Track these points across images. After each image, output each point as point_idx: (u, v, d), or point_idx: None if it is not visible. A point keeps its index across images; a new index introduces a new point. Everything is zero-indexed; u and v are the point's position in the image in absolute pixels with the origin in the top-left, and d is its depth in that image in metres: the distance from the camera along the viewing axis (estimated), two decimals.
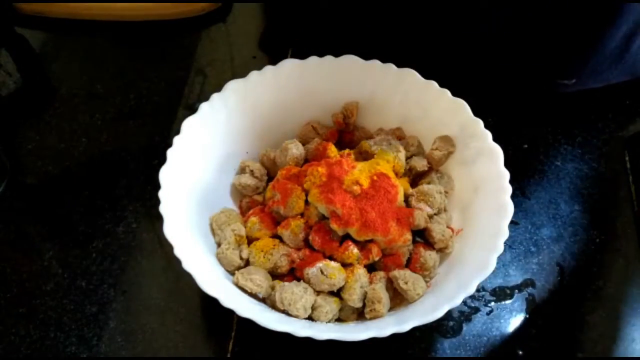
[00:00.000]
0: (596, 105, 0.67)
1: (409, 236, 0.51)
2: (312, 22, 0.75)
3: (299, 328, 0.44)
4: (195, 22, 0.74)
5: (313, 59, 0.57)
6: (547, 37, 0.60)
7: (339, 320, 0.50)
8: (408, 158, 0.56)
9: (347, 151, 0.55)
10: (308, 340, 0.43)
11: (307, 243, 0.51)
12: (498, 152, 0.52)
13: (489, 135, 0.53)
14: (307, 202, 0.51)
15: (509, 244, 0.56)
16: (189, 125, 0.53)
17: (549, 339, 0.53)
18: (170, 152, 0.51)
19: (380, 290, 0.49)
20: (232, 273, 0.50)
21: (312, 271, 0.49)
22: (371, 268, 0.51)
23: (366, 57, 0.57)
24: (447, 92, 0.55)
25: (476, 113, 0.54)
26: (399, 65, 0.57)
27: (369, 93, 0.58)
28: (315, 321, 0.48)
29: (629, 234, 0.58)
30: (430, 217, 0.53)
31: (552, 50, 0.61)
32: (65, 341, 0.52)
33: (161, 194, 0.48)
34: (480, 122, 0.53)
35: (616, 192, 0.61)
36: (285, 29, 0.75)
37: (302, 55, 0.57)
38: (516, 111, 0.66)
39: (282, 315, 0.47)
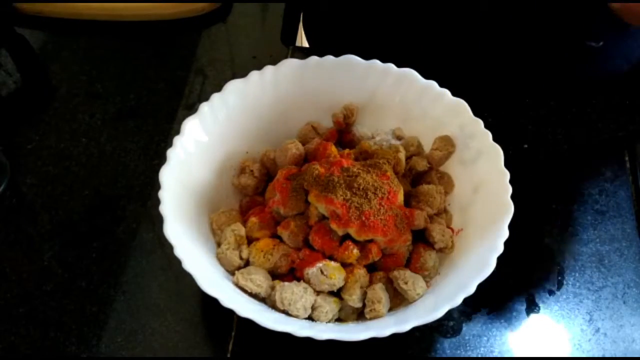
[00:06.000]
0: (596, 105, 0.67)
1: (409, 236, 0.51)
2: (314, 22, 0.76)
3: (299, 328, 0.44)
4: (195, 22, 0.74)
5: (313, 59, 0.57)
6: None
7: (339, 320, 0.50)
8: (408, 158, 0.56)
9: (347, 151, 0.55)
10: (308, 340, 0.43)
11: (307, 243, 0.51)
12: (498, 152, 0.52)
13: (489, 135, 0.53)
14: (307, 202, 0.51)
15: (509, 244, 0.56)
16: (189, 125, 0.53)
17: (549, 339, 0.53)
18: (170, 152, 0.51)
19: (380, 290, 0.49)
20: (232, 273, 0.50)
21: (312, 271, 0.49)
22: (371, 268, 0.51)
23: (366, 57, 0.57)
24: (447, 92, 0.55)
25: (476, 113, 0.54)
26: (399, 65, 0.57)
27: (369, 93, 0.58)
28: (315, 321, 0.48)
29: (629, 234, 0.58)
30: (430, 217, 0.53)
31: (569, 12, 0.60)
32: (65, 341, 0.52)
33: (161, 194, 0.48)
34: (480, 122, 0.53)
35: (616, 192, 0.61)
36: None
37: (303, 55, 0.57)
38: (516, 111, 0.66)
39: (282, 315, 0.47)
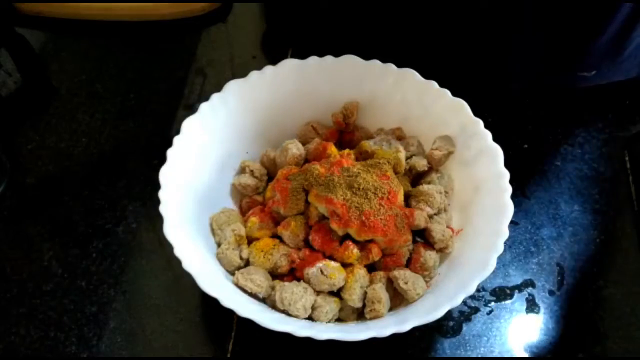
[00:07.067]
0: (596, 105, 0.67)
1: (409, 236, 0.51)
2: (312, 22, 0.75)
3: (299, 328, 0.44)
4: (195, 22, 0.74)
5: (313, 59, 0.57)
6: (552, 29, 0.60)
7: (339, 320, 0.50)
8: (408, 158, 0.56)
9: (347, 151, 0.55)
10: (308, 340, 0.43)
11: (307, 243, 0.51)
12: (498, 152, 0.52)
13: (489, 135, 0.53)
14: (307, 202, 0.51)
15: (509, 244, 0.56)
16: (189, 125, 0.53)
17: (549, 339, 0.53)
18: (170, 152, 0.51)
19: (380, 290, 0.49)
20: (232, 273, 0.50)
21: (312, 271, 0.49)
22: (371, 268, 0.51)
23: (366, 57, 0.57)
24: (447, 92, 0.55)
25: (476, 113, 0.54)
26: (399, 65, 0.57)
27: (369, 93, 0.58)
28: (315, 321, 0.48)
29: (629, 234, 0.58)
30: (430, 217, 0.53)
31: (562, 42, 0.60)
32: (65, 341, 0.52)
33: (161, 194, 0.48)
34: (480, 122, 0.53)
35: (616, 192, 0.61)
36: (285, 29, 0.75)
37: (302, 55, 0.57)
38: (516, 111, 0.66)
39: (282, 315, 0.47)
